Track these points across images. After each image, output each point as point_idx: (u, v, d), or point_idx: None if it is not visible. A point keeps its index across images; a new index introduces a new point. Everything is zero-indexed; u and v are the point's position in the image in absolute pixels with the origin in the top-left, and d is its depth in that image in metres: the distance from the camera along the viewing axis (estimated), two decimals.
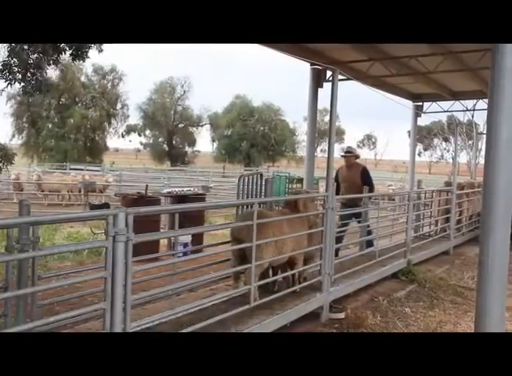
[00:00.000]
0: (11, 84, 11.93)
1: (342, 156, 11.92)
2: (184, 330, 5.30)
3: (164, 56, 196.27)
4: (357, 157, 12.00)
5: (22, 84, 11.98)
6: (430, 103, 21.34)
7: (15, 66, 11.70)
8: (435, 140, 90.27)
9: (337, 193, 9.65)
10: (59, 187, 24.26)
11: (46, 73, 12.94)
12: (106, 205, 13.88)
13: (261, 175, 10.08)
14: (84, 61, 13.04)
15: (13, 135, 57.06)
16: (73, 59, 12.59)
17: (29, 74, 11.85)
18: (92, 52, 12.58)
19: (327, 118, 11.82)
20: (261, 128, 70.23)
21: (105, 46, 12.88)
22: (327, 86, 14.16)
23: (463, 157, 63.38)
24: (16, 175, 24.25)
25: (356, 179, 11.27)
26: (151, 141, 73.13)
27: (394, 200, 23.01)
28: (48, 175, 28.19)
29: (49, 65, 12.69)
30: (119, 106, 64.38)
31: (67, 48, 12.12)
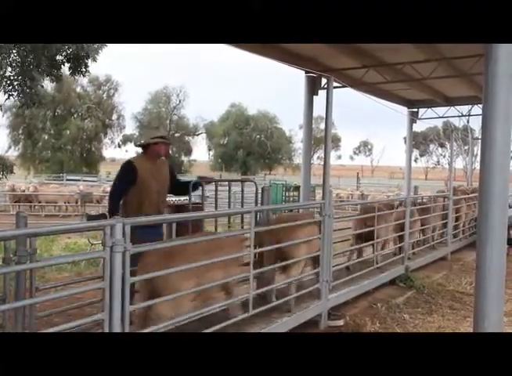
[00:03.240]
0: (12, 96, 11.99)
1: (143, 145, 7.19)
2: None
3: (158, 66, 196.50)
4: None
5: (20, 96, 12.03)
6: (426, 109, 21.47)
7: (13, 79, 11.75)
8: (431, 146, 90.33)
9: (115, 208, 6.79)
10: (56, 198, 24.23)
11: (42, 86, 13.00)
12: (103, 216, 13.79)
13: (255, 183, 10.10)
14: (84, 76, 13.06)
15: (9, 147, 57.27)
16: (72, 74, 12.64)
17: (26, 87, 11.91)
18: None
19: (323, 125, 11.56)
20: (257, 136, 70.41)
21: (99, 56, 12.89)
22: (322, 94, 14.21)
23: (459, 163, 63.48)
24: (11, 186, 24.17)
25: (167, 181, 7.32)
26: None
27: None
28: (44, 186, 28.14)
29: (52, 81, 12.75)
30: (115, 116, 64.63)
31: (65, 62, 12.16)
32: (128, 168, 6.99)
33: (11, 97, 12.04)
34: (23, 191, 24.38)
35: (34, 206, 24.23)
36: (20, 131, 57.32)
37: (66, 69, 12.65)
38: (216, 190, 8.75)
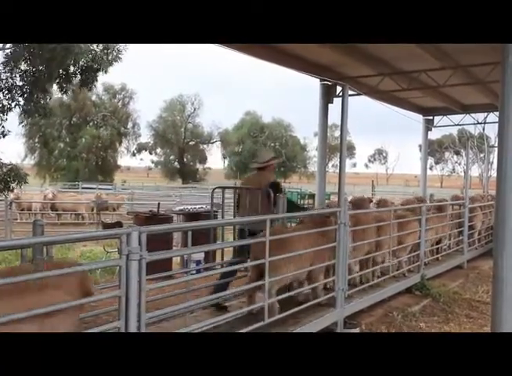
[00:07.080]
0: (19, 106, 12.05)
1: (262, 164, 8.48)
2: None
3: (173, 75, 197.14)
4: None
5: (27, 106, 12.08)
6: (441, 116, 21.37)
7: (24, 89, 11.82)
8: (446, 154, 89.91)
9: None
10: (74, 206, 24.22)
11: (50, 98, 13.08)
12: (118, 224, 13.86)
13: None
14: (91, 89, 13.14)
15: (26, 156, 57.58)
16: (82, 86, 12.74)
17: (36, 97, 11.97)
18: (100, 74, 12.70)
19: (337, 133, 11.49)
20: (272, 144, 70.47)
21: (114, 66, 12.94)
22: (337, 101, 14.20)
23: (474, 171, 63.02)
24: (16, 194, 23.47)
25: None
26: (162, 159, 73.43)
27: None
28: (61, 194, 28.11)
29: (63, 93, 12.84)
30: (130, 124, 64.88)
31: (77, 74, 12.23)
32: (273, 183, 8.22)
33: (17, 106, 12.10)
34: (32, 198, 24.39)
35: (49, 214, 24.22)
36: (36, 140, 57.62)
37: (76, 80, 12.73)
38: (234, 198, 8.73)
